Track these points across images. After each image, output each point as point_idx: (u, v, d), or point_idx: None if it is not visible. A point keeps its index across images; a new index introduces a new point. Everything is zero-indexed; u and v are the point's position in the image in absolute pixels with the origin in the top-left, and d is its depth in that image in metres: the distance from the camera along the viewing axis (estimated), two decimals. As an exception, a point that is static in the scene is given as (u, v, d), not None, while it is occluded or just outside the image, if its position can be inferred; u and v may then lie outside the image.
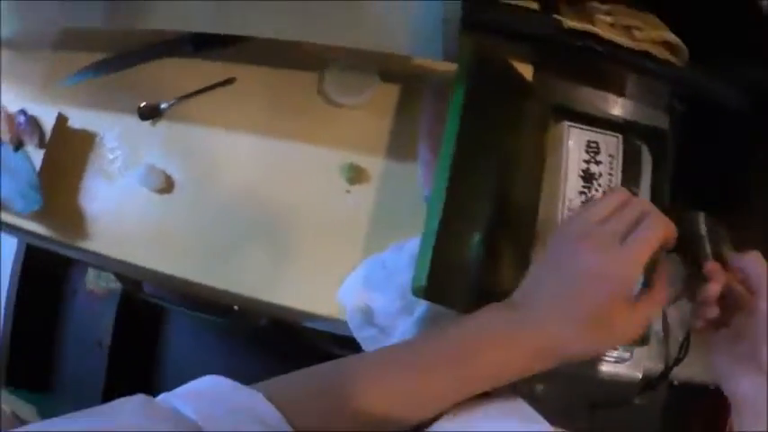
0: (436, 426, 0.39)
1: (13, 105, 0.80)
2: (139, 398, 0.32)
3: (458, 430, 0.38)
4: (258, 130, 0.73)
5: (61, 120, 0.79)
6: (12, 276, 1.24)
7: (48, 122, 0.79)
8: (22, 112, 0.80)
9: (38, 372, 1.31)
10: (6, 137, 0.79)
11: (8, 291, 1.24)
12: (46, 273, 1.28)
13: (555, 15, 0.66)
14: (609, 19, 0.67)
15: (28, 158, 0.78)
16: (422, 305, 0.59)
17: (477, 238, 0.55)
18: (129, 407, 0.31)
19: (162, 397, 0.34)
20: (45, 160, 0.77)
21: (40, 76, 0.82)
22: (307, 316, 0.67)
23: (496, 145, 0.59)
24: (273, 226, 0.70)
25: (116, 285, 1.26)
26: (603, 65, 0.67)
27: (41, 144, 0.78)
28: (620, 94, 0.69)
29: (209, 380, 0.36)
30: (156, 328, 1.32)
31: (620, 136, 0.65)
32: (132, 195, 0.74)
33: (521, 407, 0.41)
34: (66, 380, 1.33)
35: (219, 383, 0.36)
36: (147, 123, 0.77)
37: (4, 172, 0.79)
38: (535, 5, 0.70)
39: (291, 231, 0.69)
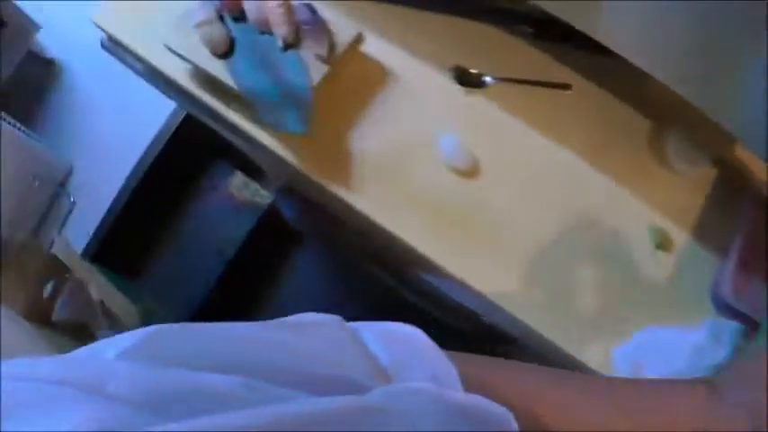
0: None
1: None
2: (336, 323, 0.29)
3: None
4: (578, 151, 0.66)
5: (357, 39, 0.65)
6: (152, 143, 1.03)
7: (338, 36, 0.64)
8: (309, 6, 0.65)
9: (133, 255, 1.12)
10: (280, 29, 0.64)
11: (141, 158, 1.04)
12: (189, 155, 1.09)
13: None
14: None
15: (303, 65, 0.64)
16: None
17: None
18: (327, 331, 0.28)
19: (354, 326, 0.30)
20: (325, 78, 0.64)
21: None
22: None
23: None
24: (561, 255, 0.65)
25: (261, 200, 1.12)
26: None
27: (328, 57, 0.64)
28: None
29: (404, 327, 0.31)
30: (281, 258, 1.19)
31: None
32: (413, 158, 0.64)
33: None
34: (162, 275, 1.16)
35: (417, 335, 0.30)
36: (457, 88, 0.67)
37: (264, 68, 0.64)
38: None
39: (581, 267, 0.65)
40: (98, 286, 1.02)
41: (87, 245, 1.20)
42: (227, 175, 1.26)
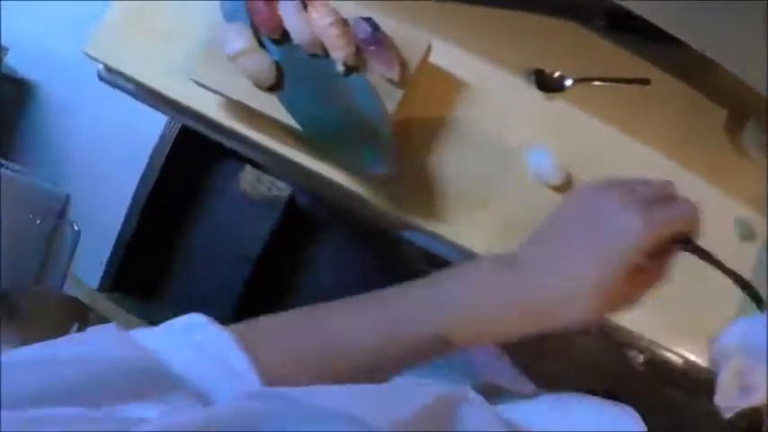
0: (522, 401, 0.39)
1: (344, 8, 0.55)
2: (110, 327, 0.31)
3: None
4: (659, 147, 0.63)
5: (428, 51, 0.57)
6: (153, 155, 0.90)
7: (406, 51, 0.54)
8: (368, 22, 0.56)
9: (152, 276, 1.02)
10: (338, 52, 0.55)
11: (143, 173, 0.91)
12: (192, 159, 0.96)
13: None
14: None
15: (373, 92, 0.55)
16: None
17: None
18: (98, 335, 0.30)
19: (138, 331, 0.32)
20: (401, 104, 0.56)
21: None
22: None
23: None
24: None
25: (279, 193, 1.02)
26: None
27: (400, 79, 0.55)
28: None
29: (186, 317, 0.34)
30: (307, 246, 1.11)
31: None
32: (502, 179, 0.58)
33: (631, 412, 0.39)
34: (187, 290, 1.07)
35: (195, 319, 0.34)
36: (538, 94, 0.60)
37: (325, 98, 0.56)
38: None
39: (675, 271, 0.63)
40: (124, 320, 0.95)
41: (103, 276, 1.11)
42: (237, 172, 1.15)
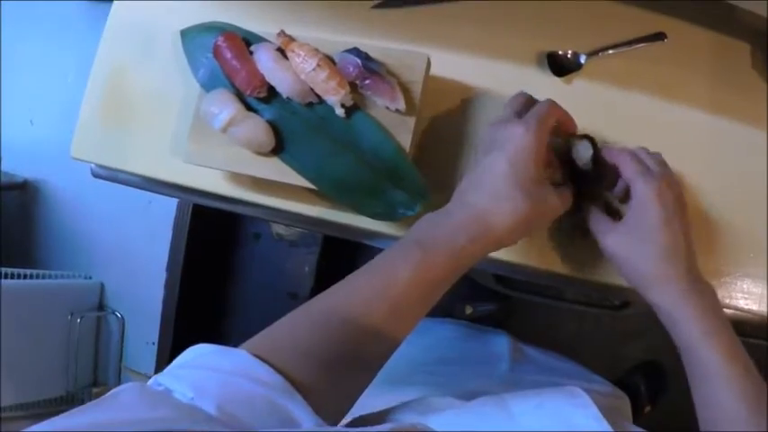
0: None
1: (326, 45, 0.50)
2: (132, 386, 0.31)
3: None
4: (691, 101, 0.57)
5: (428, 66, 0.52)
6: (176, 225, 0.88)
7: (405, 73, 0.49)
8: (356, 53, 0.51)
9: (208, 339, 1.01)
10: (332, 96, 0.50)
11: (172, 244, 0.89)
12: (215, 217, 0.93)
13: None
14: None
15: (382, 128, 0.51)
16: None
17: None
18: (125, 398, 0.30)
19: (153, 380, 0.33)
20: (415, 132, 0.51)
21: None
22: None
23: None
24: (708, 217, 0.58)
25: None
26: None
27: (408, 106, 0.51)
28: None
29: (192, 350, 0.36)
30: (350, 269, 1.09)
31: None
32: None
33: (576, 392, 0.41)
34: (241, 337, 1.05)
35: (203, 351, 0.36)
36: (554, 80, 0.55)
37: (335, 148, 0.51)
38: None
39: (716, 217, 0.58)
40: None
41: (158, 356, 1.08)
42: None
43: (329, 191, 0.51)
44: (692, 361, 0.43)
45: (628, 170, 0.46)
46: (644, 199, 0.44)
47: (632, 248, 0.45)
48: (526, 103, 0.46)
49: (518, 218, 0.41)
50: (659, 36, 0.56)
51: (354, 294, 0.40)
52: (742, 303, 0.57)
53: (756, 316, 0.58)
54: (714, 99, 0.58)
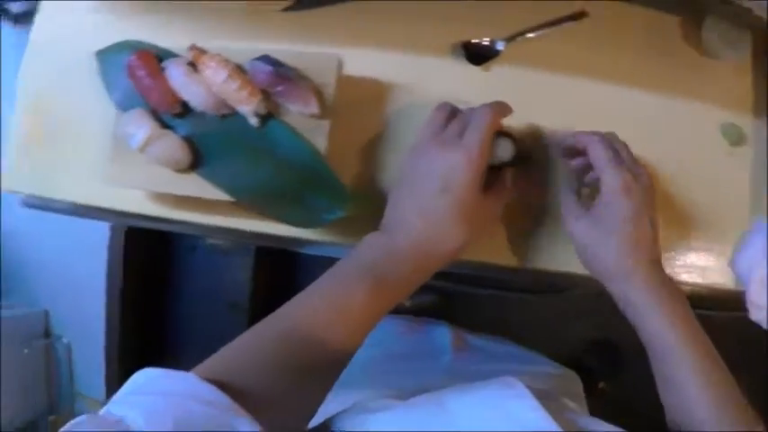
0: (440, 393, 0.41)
1: (236, 55, 0.50)
2: (86, 419, 0.31)
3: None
4: (620, 77, 0.57)
5: (340, 67, 0.51)
6: (111, 246, 0.87)
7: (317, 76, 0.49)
8: (266, 60, 0.50)
9: (153, 353, 1.00)
10: (245, 106, 0.49)
11: (108, 263, 0.88)
12: (149, 233, 0.93)
13: None
14: None
15: (297, 134, 0.50)
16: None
17: None
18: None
19: (105, 410, 0.33)
20: (331, 135, 0.50)
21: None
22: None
23: None
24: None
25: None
26: None
27: (321, 110, 0.50)
28: None
29: (141, 374, 0.36)
30: (292, 281, 1.08)
31: None
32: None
33: (512, 383, 0.41)
34: (190, 351, 1.05)
35: (152, 375, 0.36)
36: (471, 69, 0.54)
37: (251, 159, 0.50)
38: None
39: (671, 193, 0.58)
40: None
41: (106, 379, 1.07)
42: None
43: (250, 202, 0.50)
44: (658, 349, 0.44)
45: (598, 159, 0.45)
46: (612, 190, 0.44)
47: (598, 239, 0.45)
48: (450, 118, 0.46)
49: (462, 244, 0.44)
50: (581, 15, 0.55)
51: (311, 318, 0.41)
52: (686, 277, 0.57)
53: (699, 287, 0.58)
54: (644, 74, 0.57)
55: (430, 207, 0.43)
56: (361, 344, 0.43)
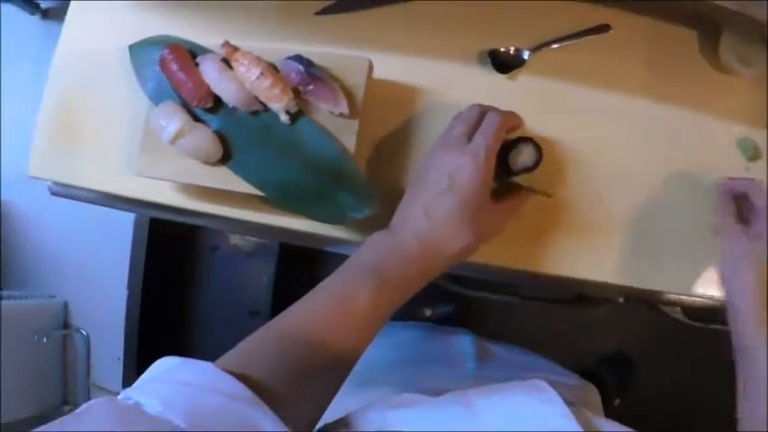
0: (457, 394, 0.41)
1: (268, 53, 0.51)
2: (102, 401, 0.31)
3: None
4: (638, 91, 0.58)
5: (371, 68, 0.52)
6: (134, 240, 0.88)
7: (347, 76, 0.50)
8: (298, 59, 0.51)
9: (172, 352, 1.00)
10: (276, 103, 0.50)
11: (131, 259, 0.89)
12: (172, 230, 0.93)
13: None
14: None
15: (327, 133, 0.51)
16: None
17: None
18: (96, 412, 0.30)
19: (123, 394, 0.33)
20: (359, 135, 0.52)
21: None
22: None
23: None
24: (655, 207, 0.58)
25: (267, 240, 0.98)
26: None
27: (351, 110, 0.51)
28: None
29: (160, 364, 0.37)
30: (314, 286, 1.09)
31: None
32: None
33: (542, 387, 0.41)
34: (207, 355, 1.05)
35: (170, 365, 0.36)
36: (498, 77, 0.55)
37: (281, 155, 0.51)
38: None
39: (687, 210, 0.59)
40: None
41: (124, 371, 1.08)
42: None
43: (277, 197, 0.51)
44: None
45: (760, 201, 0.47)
46: None
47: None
48: (479, 119, 0.46)
49: (467, 249, 0.44)
50: (603, 28, 0.57)
51: (317, 318, 0.41)
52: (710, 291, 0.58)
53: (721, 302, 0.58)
54: (662, 88, 0.59)
55: (436, 206, 0.43)
56: (368, 344, 0.43)
